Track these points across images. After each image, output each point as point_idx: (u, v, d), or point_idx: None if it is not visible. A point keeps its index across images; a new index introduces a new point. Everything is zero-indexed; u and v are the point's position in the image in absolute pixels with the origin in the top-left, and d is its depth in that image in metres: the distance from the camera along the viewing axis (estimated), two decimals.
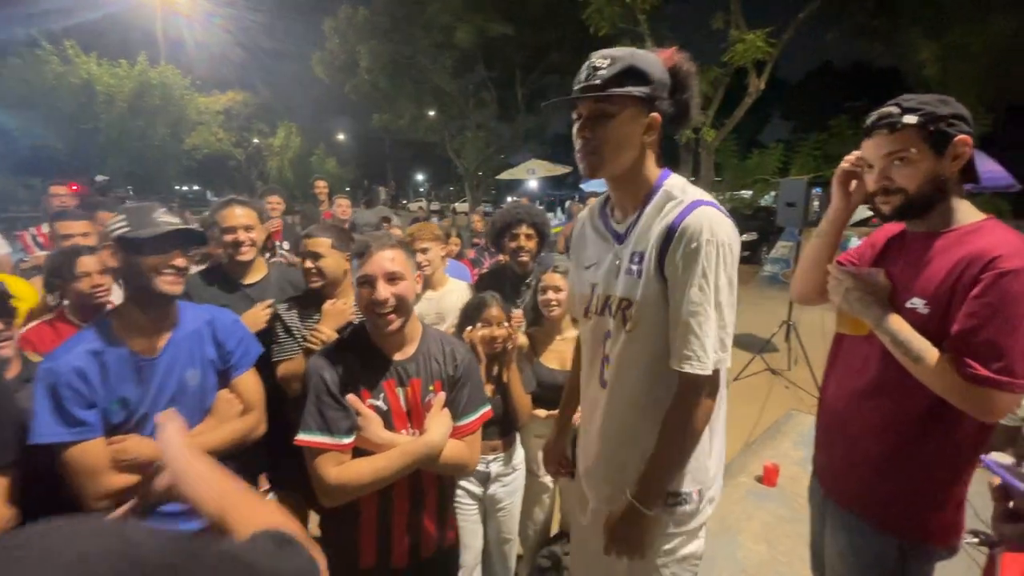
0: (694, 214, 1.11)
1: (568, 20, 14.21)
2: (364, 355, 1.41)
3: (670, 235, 1.12)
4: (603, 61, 1.11)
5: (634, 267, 1.19)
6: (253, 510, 0.72)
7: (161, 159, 17.42)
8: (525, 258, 2.51)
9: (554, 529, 2.35)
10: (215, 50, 22.82)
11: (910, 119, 1.15)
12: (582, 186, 14.93)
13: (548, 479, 2.20)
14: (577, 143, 1.18)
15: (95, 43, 15.95)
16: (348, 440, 1.32)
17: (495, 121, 19.54)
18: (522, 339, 2.25)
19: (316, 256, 1.96)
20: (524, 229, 2.49)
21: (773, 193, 12.08)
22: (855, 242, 1.52)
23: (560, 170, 16.41)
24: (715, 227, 1.10)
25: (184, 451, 0.88)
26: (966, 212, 1.22)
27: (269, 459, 1.96)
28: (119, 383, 1.33)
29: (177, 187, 20.59)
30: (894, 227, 1.40)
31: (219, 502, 0.74)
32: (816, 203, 5.20)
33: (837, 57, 29.25)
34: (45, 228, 3.42)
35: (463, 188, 23.86)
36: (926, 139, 1.16)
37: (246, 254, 2.10)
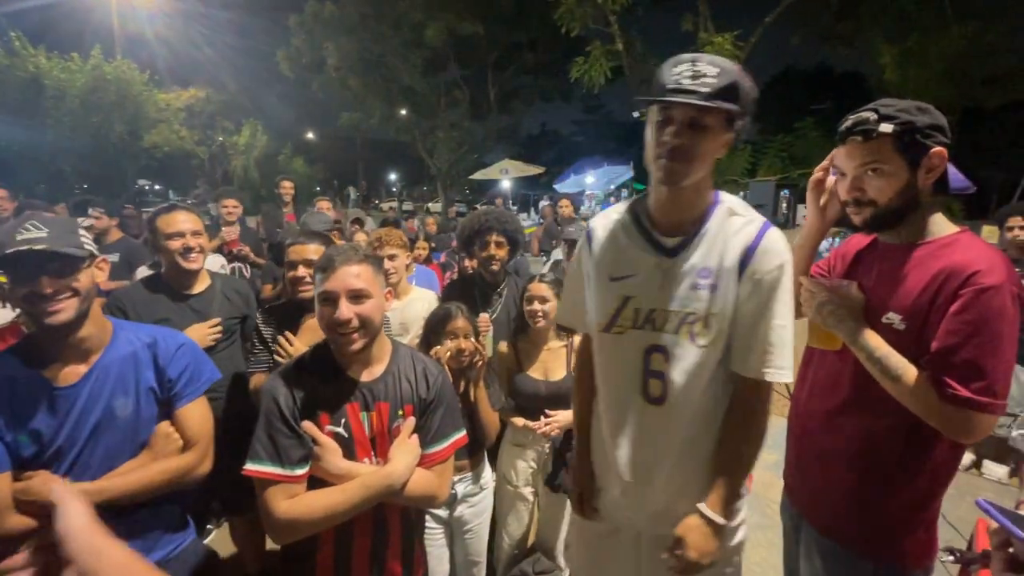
0: (771, 234, 1.14)
1: (539, 20, 14.18)
2: (326, 376, 1.29)
3: (749, 253, 1.13)
4: (711, 69, 1.05)
5: (702, 282, 1.16)
6: None
7: (118, 157, 16.68)
8: (495, 267, 2.41)
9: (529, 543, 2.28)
10: (176, 45, 21.96)
11: (886, 128, 1.11)
12: (555, 186, 14.92)
13: (527, 491, 2.13)
14: (664, 146, 1.10)
15: (44, 35, 15.15)
16: (301, 471, 1.21)
17: (468, 120, 19.33)
18: (502, 347, 2.17)
19: (310, 263, 1.84)
20: (494, 237, 2.39)
21: (742, 194, 12.31)
22: (824, 245, 1.50)
23: (533, 170, 16.36)
24: (787, 246, 1.16)
25: (94, 538, 0.70)
26: (940, 224, 1.18)
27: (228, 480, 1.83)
28: (28, 414, 1.19)
29: (139, 183, 19.74)
30: (864, 237, 1.36)
31: None
32: (784, 204, 5.27)
33: (801, 61, 30.13)
34: None
35: (436, 188, 23.58)
36: (901, 150, 1.12)
37: (195, 261, 1.96)
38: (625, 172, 14.12)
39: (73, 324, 1.24)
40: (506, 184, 15.66)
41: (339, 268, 1.24)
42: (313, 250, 1.88)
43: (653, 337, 1.19)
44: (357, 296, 1.24)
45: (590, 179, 14.13)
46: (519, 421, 2.05)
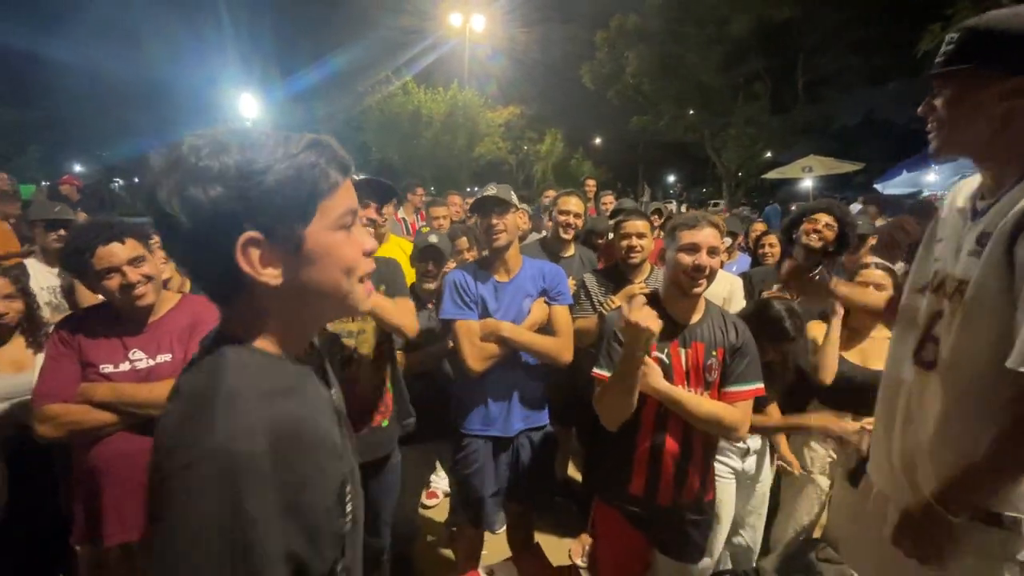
0: None
1: None
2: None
3: None
4: None
5: (978, 248, 1.07)
6: None
7: (456, 166, 21.49)
8: (817, 243, 2.34)
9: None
10: (502, 73, 26.75)
11: None
12: (877, 186, 12.29)
13: (823, 480, 2.12)
14: None
15: (423, 76, 20.69)
16: None
17: (766, 115, 17.67)
18: (815, 328, 2.16)
19: (642, 235, 2.29)
20: (824, 218, 2.36)
21: None
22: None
23: (846, 167, 13.82)
24: None
25: None
26: None
27: None
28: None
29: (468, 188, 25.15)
30: None
31: None
32: None
33: None
34: None
35: (718, 189, 22.38)
36: None
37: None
38: None
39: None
40: (808, 184, 13.69)
41: (704, 227, 1.57)
42: (641, 224, 2.29)
43: (941, 303, 1.14)
44: (713, 251, 1.56)
45: (932, 177, 11.16)
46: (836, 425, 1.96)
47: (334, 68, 23.08)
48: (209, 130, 0.62)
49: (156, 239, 2.13)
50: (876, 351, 2.01)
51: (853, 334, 2.09)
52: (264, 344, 0.67)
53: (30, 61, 26.26)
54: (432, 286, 2.36)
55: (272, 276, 0.63)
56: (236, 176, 0.59)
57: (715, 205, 19.49)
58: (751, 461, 2.06)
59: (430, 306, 2.36)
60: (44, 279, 2.57)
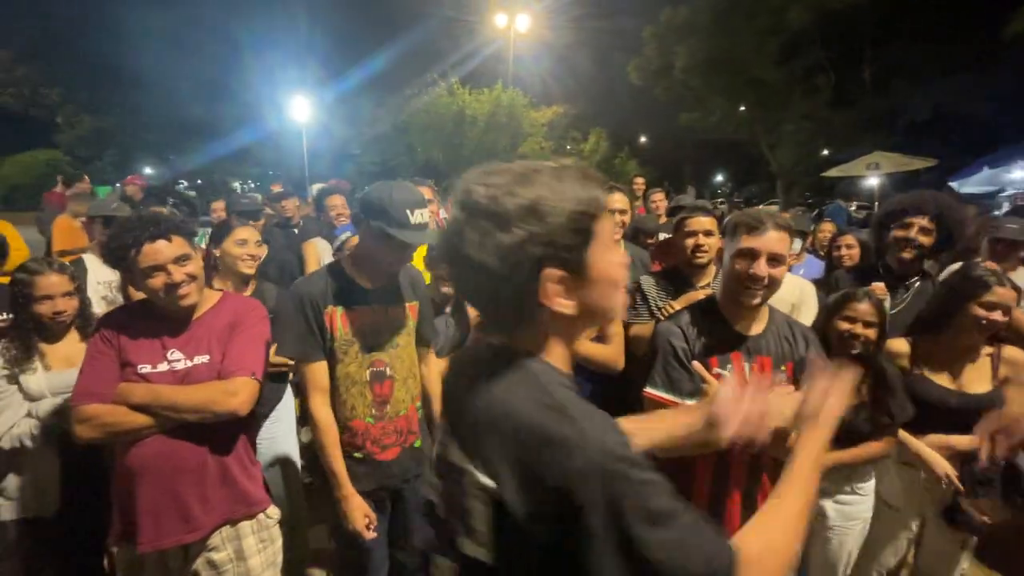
0: None
1: None
2: (715, 327, 1.47)
3: None
4: None
5: None
6: None
7: None
8: (908, 255, 2.09)
9: None
10: (543, 70, 26.54)
11: None
12: (953, 184, 11.32)
13: (913, 520, 1.87)
14: None
15: (468, 77, 20.80)
16: (691, 401, 1.40)
17: (826, 110, 16.64)
18: (898, 344, 1.91)
19: (709, 233, 2.10)
20: (919, 221, 2.08)
21: None
22: None
23: (916, 164, 12.81)
24: None
25: None
26: None
27: None
28: None
29: None
30: None
31: None
32: None
33: None
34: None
35: (771, 188, 21.35)
36: None
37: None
38: None
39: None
40: (873, 182, 12.77)
41: (768, 231, 1.36)
42: (707, 221, 2.09)
43: None
44: (775, 259, 1.35)
45: (1018, 174, 10.15)
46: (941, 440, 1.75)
47: (381, 71, 23.59)
48: (488, 170, 0.69)
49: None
50: (975, 372, 1.76)
51: (953, 356, 1.81)
52: (554, 361, 0.73)
53: (106, 71, 28.23)
54: (449, 290, 2.25)
55: (568, 307, 0.69)
56: (533, 217, 0.65)
57: (776, 203, 18.59)
58: (829, 502, 1.82)
59: (447, 311, 2.27)
60: (101, 274, 2.65)
